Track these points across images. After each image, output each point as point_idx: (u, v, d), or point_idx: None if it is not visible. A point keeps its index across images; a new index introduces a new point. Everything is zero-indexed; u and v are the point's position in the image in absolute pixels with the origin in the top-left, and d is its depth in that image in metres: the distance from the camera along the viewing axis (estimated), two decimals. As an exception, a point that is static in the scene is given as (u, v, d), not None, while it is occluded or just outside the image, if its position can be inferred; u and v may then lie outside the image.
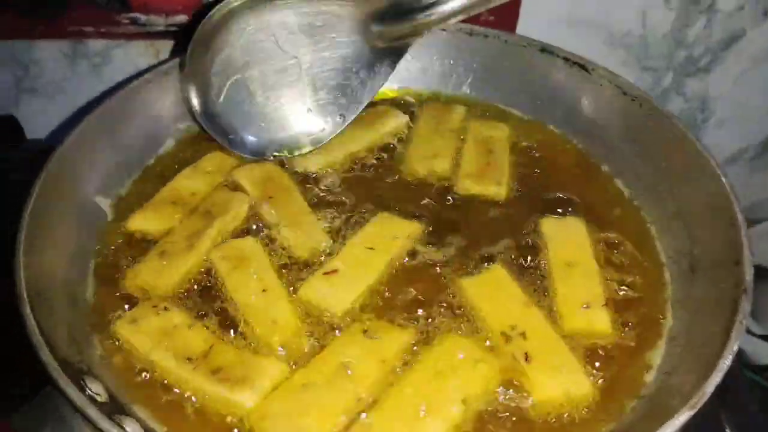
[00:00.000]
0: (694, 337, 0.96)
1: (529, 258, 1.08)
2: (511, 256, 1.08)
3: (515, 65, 1.34)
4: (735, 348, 0.83)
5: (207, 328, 0.99)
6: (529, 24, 1.50)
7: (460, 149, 1.26)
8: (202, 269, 1.07)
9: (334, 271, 1.04)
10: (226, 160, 1.25)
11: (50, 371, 0.82)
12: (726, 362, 0.82)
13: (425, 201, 1.18)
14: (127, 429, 0.81)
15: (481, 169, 1.22)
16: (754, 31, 1.60)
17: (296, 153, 1.24)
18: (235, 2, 1.16)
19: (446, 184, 1.21)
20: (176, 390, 0.93)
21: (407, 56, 1.24)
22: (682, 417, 0.78)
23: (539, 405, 0.90)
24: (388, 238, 1.08)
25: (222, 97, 1.21)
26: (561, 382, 0.91)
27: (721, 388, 0.80)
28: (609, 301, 1.01)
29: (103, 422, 0.77)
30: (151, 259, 1.08)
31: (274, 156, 1.23)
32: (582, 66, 1.27)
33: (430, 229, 1.12)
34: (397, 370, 0.93)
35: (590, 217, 1.14)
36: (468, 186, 1.20)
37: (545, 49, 1.30)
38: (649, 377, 0.95)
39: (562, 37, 1.32)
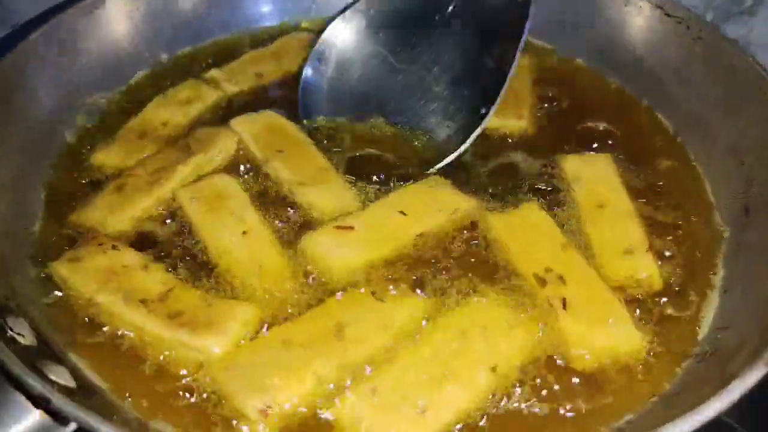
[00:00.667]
0: (752, 287, 0.80)
1: (554, 200, 0.92)
2: (537, 198, 0.92)
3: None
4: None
5: (168, 271, 0.83)
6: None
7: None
8: (165, 210, 0.91)
9: (350, 227, 0.86)
10: (205, 90, 1.09)
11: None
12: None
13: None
14: (51, 377, 0.65)
15: (501, 103, 1.05)
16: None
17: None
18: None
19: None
20: (120, 334, 0.78)
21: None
22: (754, 375, 0.61)
23: (578, 360, 0.75)
24: (431, 209, 0.89)
25: None
26: (607, 334, 0.76)
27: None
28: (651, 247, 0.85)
29: (16, 367, 0.61)
30: (107, 194, 0.93)
31: None
32: (619, -13, 1.10)
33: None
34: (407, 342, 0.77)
35: (628, 155, 0.98)
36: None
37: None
38: (701, 334, 0.79)
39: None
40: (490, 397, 0.72)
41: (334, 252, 0.84)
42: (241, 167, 0.97)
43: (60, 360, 0.72)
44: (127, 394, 0.73)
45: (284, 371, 0.72)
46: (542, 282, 0.81)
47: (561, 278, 0.81)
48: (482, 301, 0.79)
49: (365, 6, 1.08)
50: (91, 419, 0.60)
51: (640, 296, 0.81)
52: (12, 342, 0.68)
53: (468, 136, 0.96)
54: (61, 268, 0.83)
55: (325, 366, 0.73)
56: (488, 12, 1.02)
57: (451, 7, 1.04)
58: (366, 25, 1.09)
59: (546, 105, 1.08)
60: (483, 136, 0.98)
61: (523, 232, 0.86)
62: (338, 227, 0.86)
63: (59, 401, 0.60)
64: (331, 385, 0.73)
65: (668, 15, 1.06)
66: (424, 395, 0.70)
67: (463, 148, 0.96)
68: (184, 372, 0.75)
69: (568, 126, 1.04)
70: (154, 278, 0.82)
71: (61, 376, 0.68)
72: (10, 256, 0.84)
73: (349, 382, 0.73)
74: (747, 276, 0.83)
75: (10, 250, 0.85)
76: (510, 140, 1.03)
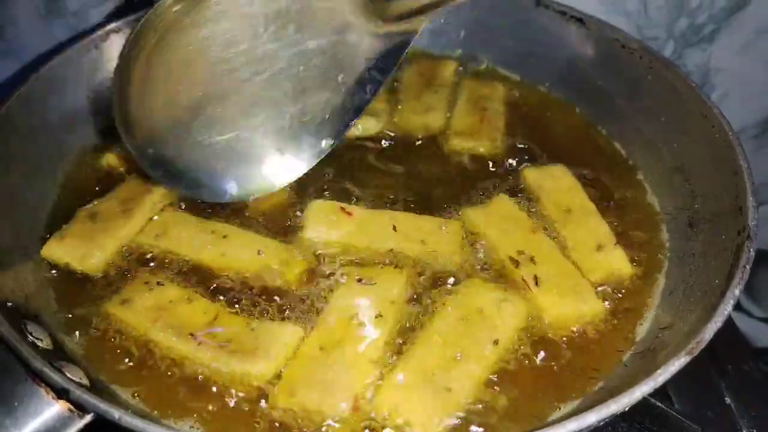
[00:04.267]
0: (692, 291, 0.89)
1: (524, 206, 1.03)
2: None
3: (509, 21, 1.27)
4: (736, 293, 0.76)
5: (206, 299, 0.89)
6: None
7: (452, 106, 1.20)
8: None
9: (350, 213, 0.98)
10: None
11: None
12: (727, 307, 0.75)
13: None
14: (68, 375, 0.74)
15: (473, 126, 1.16)
16: (759, -1, 1.53)
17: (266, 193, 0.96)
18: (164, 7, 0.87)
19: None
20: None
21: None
22: (678, 362, 0.70)
23: (554, 324, 0.88)
24: (416, 239, 0.96)
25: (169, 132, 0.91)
26: (573, 302, 0.89)
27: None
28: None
29: (37, 362, 0.70)
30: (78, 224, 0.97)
31: (236, 198, 0.95)
32: (579, 19, 1.20)
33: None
34: (414, 312, 0.88)
35: (585, 179, 1.08)
36: (458, 144, 1.14)
37: (540, 3, 1.23)
38: (642, 332, 0.89)
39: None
40: (500, 362, 0.84)
41: (329, 220, 0.96)
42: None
43: (75, 363, 0.80)
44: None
45: (343, 369, 0.81)
46: (516, 263, 0.93)
47: (532, 259, 0.93)
48: (471, 287, 0.90)
49: None
50: (109, 408, 0.67)
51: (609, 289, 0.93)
52: (32, 346, 0.76)
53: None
54: (113, 310, 0.88)
55: (373, 350, 0.82)
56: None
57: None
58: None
59: (515, 131, 1.17)
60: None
61: (497, 221, 0.98)
62: (342, 208, 0.98)
63: (77, 391, 0.68)
64: (386, 364, 0.82)
65: (623, 46, 1.16)
66: (445, 375, 0.81)
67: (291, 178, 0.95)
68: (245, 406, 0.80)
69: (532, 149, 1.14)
70: (198, 309, 0.87)
71: (76, 374, 0.76)
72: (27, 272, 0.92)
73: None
74: (688, 282, 0.91)
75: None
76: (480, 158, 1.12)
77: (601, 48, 1.19)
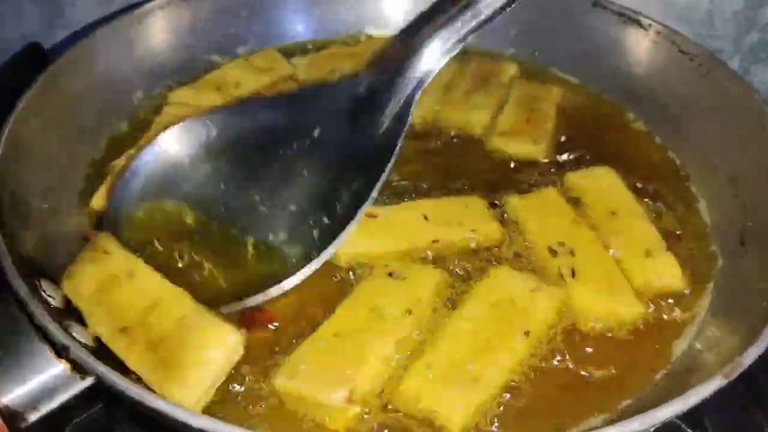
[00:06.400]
0: (737, 312, 0.83)
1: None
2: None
3: (563, 21, 1.23)
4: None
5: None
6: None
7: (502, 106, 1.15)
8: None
9: (374, 216, 0.92)
10: (280, 63, 1.21)
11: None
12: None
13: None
14: (74, 335, 0.73)
15: (518, 126, 1.11)
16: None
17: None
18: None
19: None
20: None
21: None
22: (712, 385, 0.65)
23: (587, 321, 0.84)
24: (453, 222, 0.93)
25: None
26: (609, 297, 0.85)
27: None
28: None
29: (42, 318, 0.69)
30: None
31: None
32: (636, 21, 1.15)
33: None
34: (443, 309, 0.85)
35: (635, 187, 1.02)
36: (499, 142, 1.09)
37: (597, 3, 1.18)
38: (679, 350, 0.83)
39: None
40: (529, 357, 0.80)
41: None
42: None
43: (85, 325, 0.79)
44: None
45: (350, 359, 0.77)
46: (554, 253, 0.89)
47: (571, 252, 0.89)
48: (503, 275, 0.87)
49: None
50: (108, 372, 0.65)
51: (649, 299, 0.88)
52: (44, 302, 0.75)
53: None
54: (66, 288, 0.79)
55: (384, 346, 0.79)
56: (351, 147, 0.95)
57: (311, 136, 0.96)
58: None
59: (564, 134, 1.12)
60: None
61: (539, 211, 0.94)
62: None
63: (77, 350, 0.66)
64: (394, 363, 0.79)
65: (683, 52, 1.10)
66: (473, 365, 0.77)
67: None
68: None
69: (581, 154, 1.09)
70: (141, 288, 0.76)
71: (83, 336, 0.74)
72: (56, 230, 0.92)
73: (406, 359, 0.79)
74: (733, 302, 0.85)
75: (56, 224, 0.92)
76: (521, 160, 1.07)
77: (659, 52, 1.14)
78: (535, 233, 0.92)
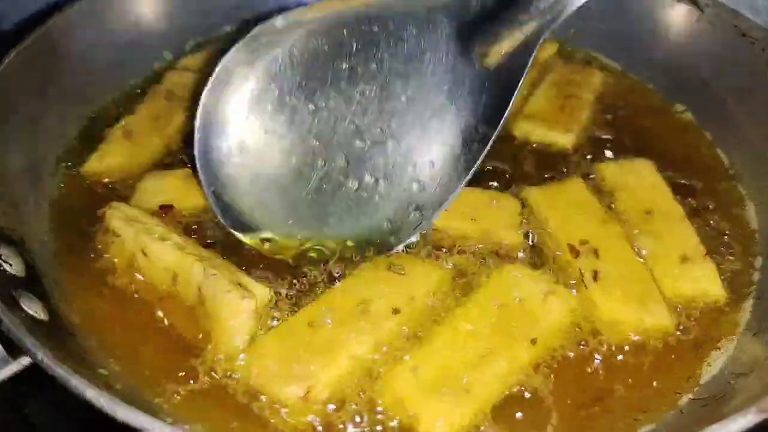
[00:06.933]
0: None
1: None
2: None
3: (607, 1, 1.10)
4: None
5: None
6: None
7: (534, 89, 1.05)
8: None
9: None
10: None
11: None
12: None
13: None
14: (24, 307, 0.67)
15: (550, 112, 1.01)
16: None
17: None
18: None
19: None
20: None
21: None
22: (744, 420, 0.54)
23: (606, 332, 0.74)
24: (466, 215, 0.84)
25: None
26: (636, 307, 0.75)
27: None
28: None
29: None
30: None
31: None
32: (694, 2, 1.02)
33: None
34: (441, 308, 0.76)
35: (676, 184, 0.91)
36: (526, 127, 0.99)
37: (646, -21, 1.06)
38: (709, 374, 0.72)
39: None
40: (535, 368, 0.72)
41: None
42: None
43: (42, 296, 0.73)
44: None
45: (317, 355, 0.69)
46: (576, 253, 0.80)
47: (595, 252, 0.80)
48: (514, 272, 0.78)
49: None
50: (41, 353, 0.59)
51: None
52: (-2, 269, 0.69)
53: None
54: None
55: (359, 345, 0.71)
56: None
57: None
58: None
59: (602, 123, 1.01)
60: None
61: (563, 204, 0.85)
62: None
63: (10, 323, 0.59)
64: (371, 363, 0.71)
65: (744, 35, 0.97)
66: (467, 373, 0.69)
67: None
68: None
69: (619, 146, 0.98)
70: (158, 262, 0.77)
71: (33, 308, 0.68)
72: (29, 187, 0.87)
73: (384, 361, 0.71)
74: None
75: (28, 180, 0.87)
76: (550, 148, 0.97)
77: (715, 35, 1.02)
78: (557, 229, 0.83)
